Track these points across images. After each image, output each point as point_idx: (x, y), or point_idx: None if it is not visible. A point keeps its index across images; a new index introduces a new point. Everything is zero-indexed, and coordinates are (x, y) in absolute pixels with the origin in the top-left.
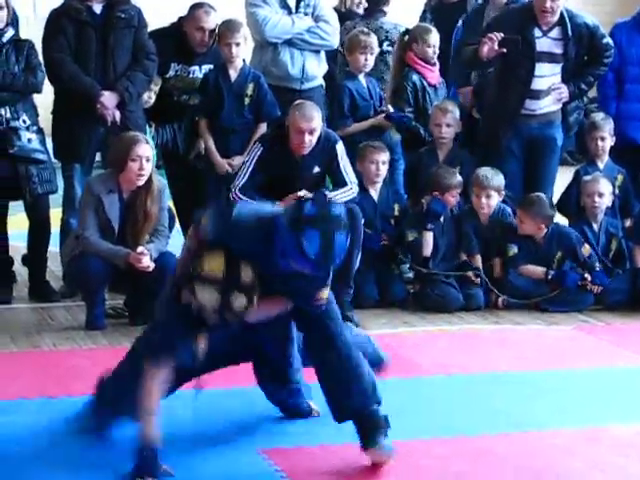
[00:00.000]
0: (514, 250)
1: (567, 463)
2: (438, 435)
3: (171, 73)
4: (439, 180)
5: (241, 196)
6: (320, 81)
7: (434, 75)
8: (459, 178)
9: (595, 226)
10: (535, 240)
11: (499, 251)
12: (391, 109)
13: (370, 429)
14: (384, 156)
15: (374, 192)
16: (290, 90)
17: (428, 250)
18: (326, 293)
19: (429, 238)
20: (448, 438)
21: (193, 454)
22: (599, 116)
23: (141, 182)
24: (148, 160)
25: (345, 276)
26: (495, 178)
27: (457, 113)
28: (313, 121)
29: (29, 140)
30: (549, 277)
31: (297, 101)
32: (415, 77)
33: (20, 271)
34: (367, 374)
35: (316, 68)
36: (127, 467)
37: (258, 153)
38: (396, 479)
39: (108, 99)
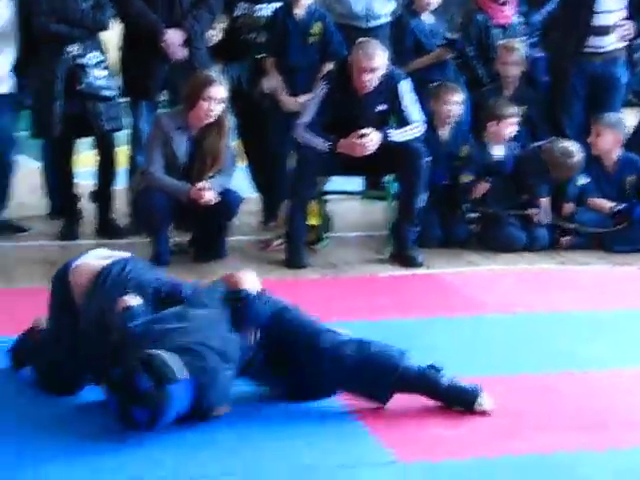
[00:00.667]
0: (585, 180)
1: (629, 402)
2: (500, 373)
3: (238, 12)
4: (494, 110)
5: (306, 134)
6: (387, 19)
7: (504, 15)
8: (515, 109)
9: None
10: (605, 167)
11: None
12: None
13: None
14: (458, 96)
15: (443, 132)
16: (354, 28)
17: (479, 193)
18: None
19: (483, 185)
20: (510, 376)
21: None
22: None
23: (209, 120)
24: (219, 102)
25: (409, 214)
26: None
27: (523, 52)
28: (375, 60)
29: (97, 77)
30: (615, 210)
31: (360, 39)
32: (480, 17)
33: (86, 208)
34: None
35: (382, 6)
36: None
37: (323, 91)
38: (457, 414)
39: (173, 36)
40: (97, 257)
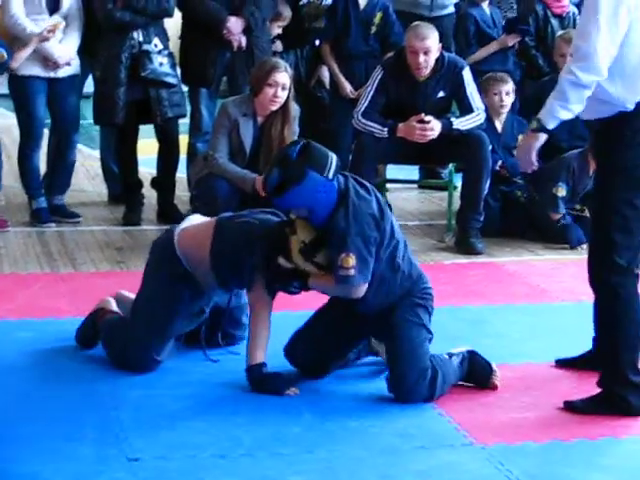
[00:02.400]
0: None
1: None
2: None
3: (304, 0)
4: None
5: (363, 120)
6: (451, 9)
7: (560, 5)
8: None
9: None
10: None
11: None
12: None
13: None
14: (507, 86)
15: (498, 123)
16: (418, 17)
17: None
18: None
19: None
20: None
21: None
22: None
23: (274, 107)
24: (284, 88)
25: (474, 202)
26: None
27: None
28: (427, 40)
29: (160, 64)
30: None
31: (414, 22)
32: (539, 7)
33: (148, 195)
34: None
35: None
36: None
37: (379, 76)
38: (516, 394)
39: (234, 24)
40: (197, 219)
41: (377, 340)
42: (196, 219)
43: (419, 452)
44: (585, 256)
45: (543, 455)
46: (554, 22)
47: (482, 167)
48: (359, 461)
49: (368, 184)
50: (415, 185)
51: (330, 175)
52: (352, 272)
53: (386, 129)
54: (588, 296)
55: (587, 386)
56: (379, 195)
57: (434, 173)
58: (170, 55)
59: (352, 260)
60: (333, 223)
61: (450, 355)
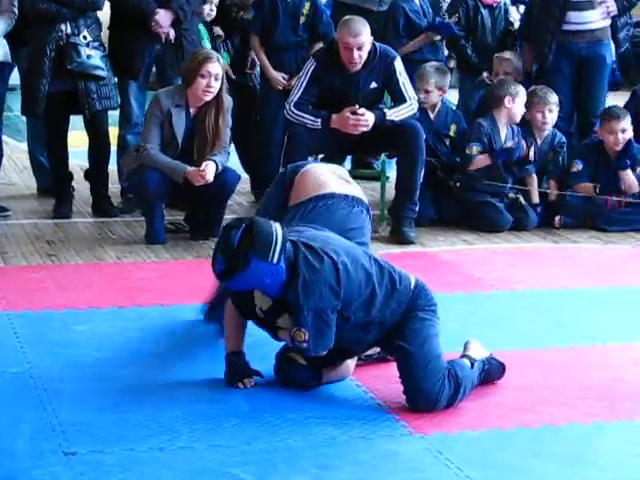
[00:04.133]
0: (578, 167)
1: (638, 374)
2: (506, 348)
3: None
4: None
5: (296, 111)
6: None
7: None
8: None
9: None
10: (608, 155)
11: (557, 170)
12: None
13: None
14: (441, 81)
15: (432, 113)
16: (366, 10)
17: (479, 165)
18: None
19: (484, 158)
20: (517, 351)
21: None
22: None
23: (207, 98)
24: (217, 78)
25: (409, 192)
26: (552, 94)
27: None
28: (360, 37)
29: (89, 56)
30: (597, 191)
31: (346, 17)
32: None
33: (79, 187)
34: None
35: None
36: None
37: (312, 68)
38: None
39: (163, 17)
40: (334, 172)
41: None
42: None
43: (358, 442)
44: (520, 244)
45: (482, 443)
46: (484, 12)
47: (417, 156)
48: (298, 452)
49: (315, 245)
50: None
51: (275, 259)
52: (305, 345)
53: (319, 120)
54: (522, 284)
55: (525, 376)
56: (333, 255)
57: (366, 163)
58: (101, 47)
59: (304, 335)
60: (286, 296)
61: (472, 362)
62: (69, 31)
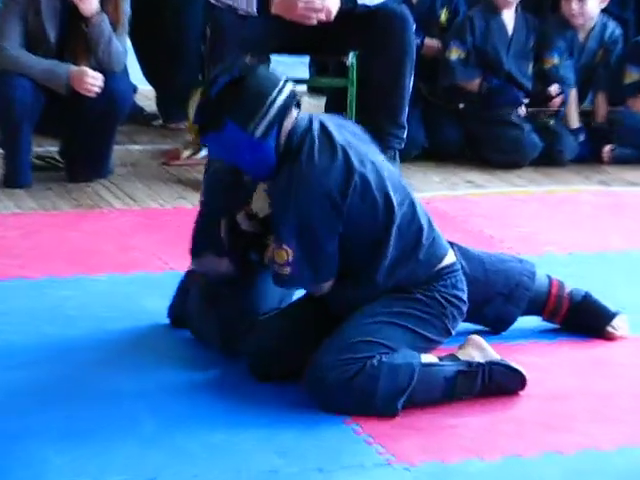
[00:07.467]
0: (635, 75)
1: None
2: (528, 339)
3: None
4: None
5: None
6: None
7: None
8: None
9: None
10: None
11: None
12: None
13: None
14: None
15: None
16: None
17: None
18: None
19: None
20: (544, 342)
21: None
22: None
23: None
24: None
25: (393, 109)
26: None
27: None
28: None
29: None
30: None
31: None
32: None
33: None
34: None
35: None
36: None
37: None
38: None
39: None
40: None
41: None
42: None
43: (311, 477)
44: (549, 187)
45: (495, 477)
46: None
47: (404, 57)
48: None
49: (336, 136)
50: (304, 86)
51: (257, 132)
52: (287, 270)
53: (255, 2)
54: (555, 246)
55: (556, 380)
56: (354, 160)
57: (328, 68)
58: None
59: (286, 255)
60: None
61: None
62: None
